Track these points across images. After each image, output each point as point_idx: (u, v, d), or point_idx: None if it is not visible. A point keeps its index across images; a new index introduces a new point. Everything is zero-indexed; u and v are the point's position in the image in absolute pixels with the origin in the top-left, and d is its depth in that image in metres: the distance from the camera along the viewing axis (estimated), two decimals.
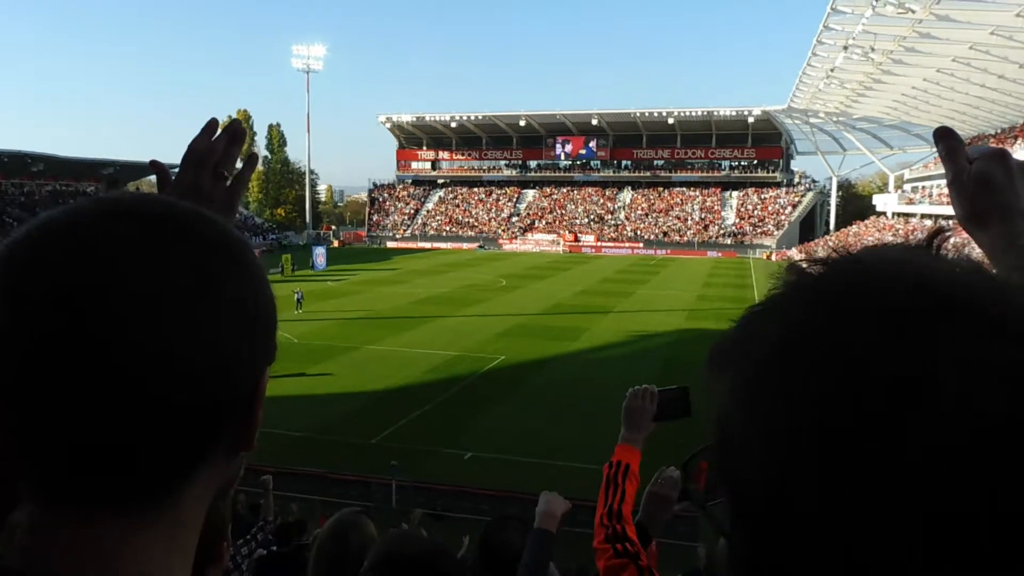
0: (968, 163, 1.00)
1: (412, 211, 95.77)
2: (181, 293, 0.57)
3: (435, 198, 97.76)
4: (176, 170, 1.22)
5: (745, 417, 0.40)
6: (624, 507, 2.16)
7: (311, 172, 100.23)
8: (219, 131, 1.15)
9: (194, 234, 0.61)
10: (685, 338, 31.77)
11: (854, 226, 70.95)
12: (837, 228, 76.91)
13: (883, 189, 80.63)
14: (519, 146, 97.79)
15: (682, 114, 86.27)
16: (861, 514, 0.38)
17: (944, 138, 1.00)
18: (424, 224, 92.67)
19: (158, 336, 0.56)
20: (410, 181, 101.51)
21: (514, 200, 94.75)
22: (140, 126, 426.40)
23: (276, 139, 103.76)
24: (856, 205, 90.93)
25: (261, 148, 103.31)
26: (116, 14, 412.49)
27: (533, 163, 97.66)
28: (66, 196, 73.01)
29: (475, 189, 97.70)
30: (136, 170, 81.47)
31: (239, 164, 1.19)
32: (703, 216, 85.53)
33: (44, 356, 0.54)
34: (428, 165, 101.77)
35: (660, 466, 2.36)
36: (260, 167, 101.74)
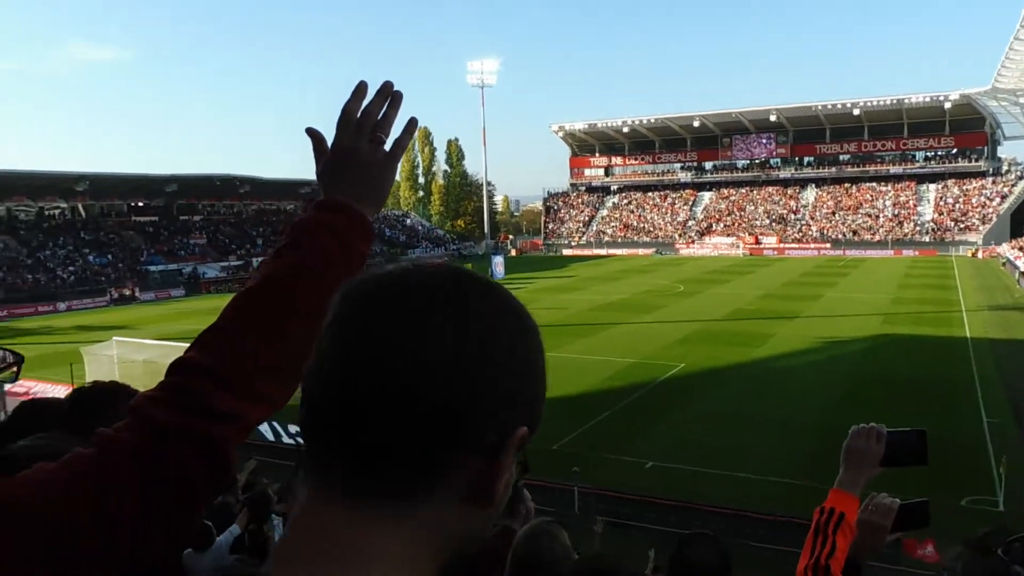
0: None
1: (586, 218, 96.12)
2: (472, 353, 0.68)
3: (609, 204, 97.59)
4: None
5: None
6: (832, 563, 1.95)
7: (488, 184, 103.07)
8: (373, 94, 1.11)
9: (489, 306, 0.73)
10: (880, 344, 29.80)
11: None
12: None
13: None
14: (694, 148, 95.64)
15: (869, 104, 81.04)
16: None
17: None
18: (599, 231, 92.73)
19: (433, 382, 0.66)
20: (584, 188, 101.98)
21: (690, 203, 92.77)
22: None
23: (454, 153, 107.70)
24: None
25: (441, 163, 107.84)
26: (307, 42, 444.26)
27: (709, 164, 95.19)
28: (269, 215, 79.72)
29: (649, 194, 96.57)
30: None
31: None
32: (896, 212, 79.74)
33: (352, 380, 0.67)
34: (601, 172, 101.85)
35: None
36: (440, 181, 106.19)
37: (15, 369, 3.24)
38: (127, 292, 54.91)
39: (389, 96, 1.12)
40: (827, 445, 19.09)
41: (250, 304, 1.06)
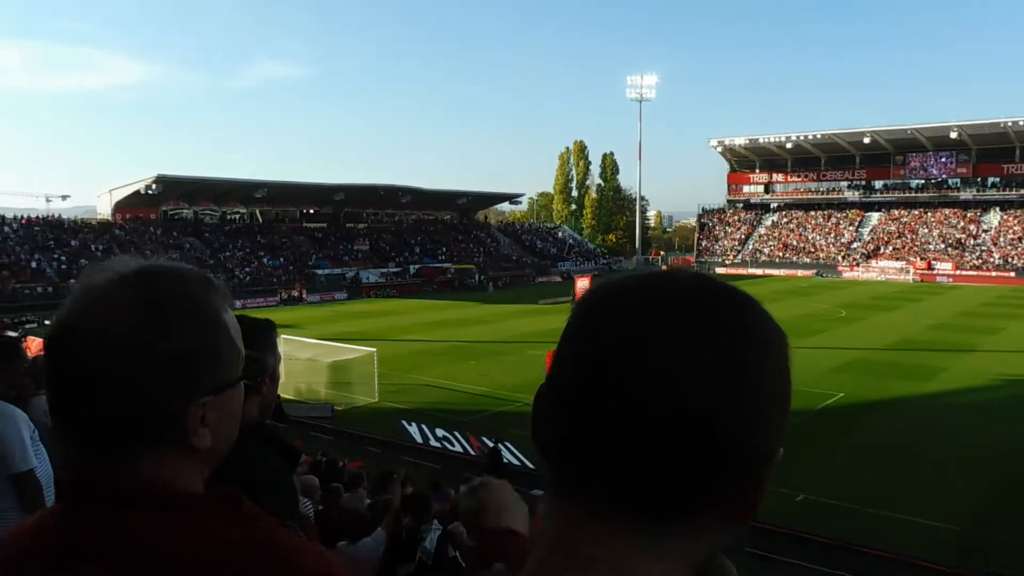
0: None
1: (743, 236, 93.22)
2: (748, 376, 0.68)
3: (767, 223, 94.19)
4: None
5: None
6: None
7: (641, 198, 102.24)
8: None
9: (758, 324, 0.71)
10: None
11: None
12: None
13: None
14: (862, 165, 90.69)
15: None
16: None
17: None
18: (755, 249, 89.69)
19: (696, 394, 0.65)
20: (741, 205, 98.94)
21: (856, 224, 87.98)
22: (488, 159, 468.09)
23: (609, 167, 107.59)
24: None
25: (595, 176, 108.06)
26: (466, 58, 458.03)
27: (878, 183, 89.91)
28: (427, 224, 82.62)
29: (812, 213, 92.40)
30: (484, 199, 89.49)
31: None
32: None
33: (585, 402, 0.67)
34: (761, 188, 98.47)
35: None
36: (593, 194, 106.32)
37: None
38: (295, 293, 58.48)
39: None
40: (1004, 492, 17.45)
41: None
